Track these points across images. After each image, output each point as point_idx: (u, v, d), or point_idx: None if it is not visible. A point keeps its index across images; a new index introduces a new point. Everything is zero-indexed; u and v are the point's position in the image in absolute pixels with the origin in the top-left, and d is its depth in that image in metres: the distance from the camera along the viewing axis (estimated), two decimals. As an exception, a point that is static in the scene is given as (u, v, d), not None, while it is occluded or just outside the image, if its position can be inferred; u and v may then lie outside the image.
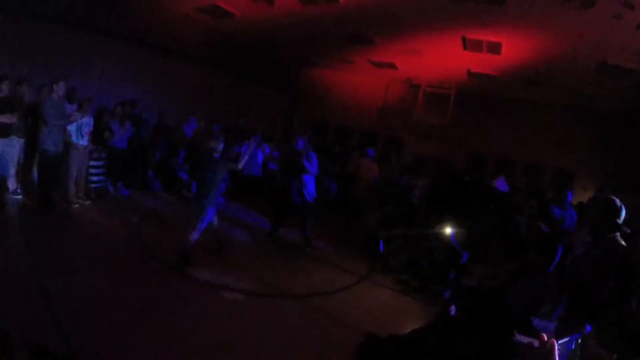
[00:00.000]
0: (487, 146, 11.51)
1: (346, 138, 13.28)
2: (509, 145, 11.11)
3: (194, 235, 4.80)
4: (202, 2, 8.26)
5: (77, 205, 6.16)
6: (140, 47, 8.85)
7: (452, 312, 3.84)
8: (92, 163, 6.63)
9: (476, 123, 11.60)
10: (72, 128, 6.03)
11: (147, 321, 3.44)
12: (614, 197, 2.72)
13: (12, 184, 5.93)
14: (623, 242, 2.63)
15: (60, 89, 5.65)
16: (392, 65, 10.89)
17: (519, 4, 5.41)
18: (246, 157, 5.26)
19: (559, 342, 1.05)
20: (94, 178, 6.73)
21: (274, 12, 7.81)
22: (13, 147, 5.75)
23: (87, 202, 6.41)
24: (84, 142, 6.23)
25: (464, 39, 7.34)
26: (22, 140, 5.88)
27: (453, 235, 5.52)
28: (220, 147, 5.02)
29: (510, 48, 7.28)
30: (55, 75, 5.90)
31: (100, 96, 7.41)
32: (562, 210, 6.13)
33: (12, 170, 5.89)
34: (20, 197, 5.97)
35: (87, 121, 6.22)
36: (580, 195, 8.81)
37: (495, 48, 7.40)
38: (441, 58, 9.10)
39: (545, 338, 1.04)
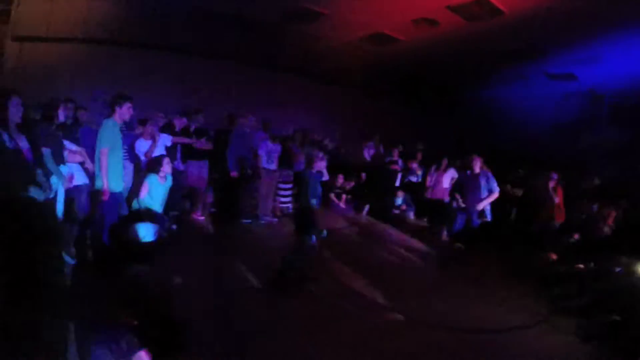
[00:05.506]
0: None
1: (517, 160, 12.06)
2: None
3: None
4: (367, 32, 8.61)
5: (263, 222, 6.94)
6: (305, 77, 9.89)
7: None
8: (280, 185, 7.40)
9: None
10: (263, 154, 6.95)
11: (309, 338, 3.52)
12: None
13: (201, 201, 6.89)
14: None
15: (249, 121, 6.71)
16: (570, 77, 9.83)
17: None
18: None
19: None
20: (282, 199, 7.47)
21: (439, 33, 7.82)
22: (203, 169, 6.64)
23: (274, 220, 7.17)
24: (273, 166, 7.09)
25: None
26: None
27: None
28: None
29: None
30: (244, 110, 6.98)
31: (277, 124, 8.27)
32: None
33: (204, 188, 6.82)
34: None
35: (276, 148, 7.11)
36: None
37: None
38: (627, 62, 8.01)
39: None
